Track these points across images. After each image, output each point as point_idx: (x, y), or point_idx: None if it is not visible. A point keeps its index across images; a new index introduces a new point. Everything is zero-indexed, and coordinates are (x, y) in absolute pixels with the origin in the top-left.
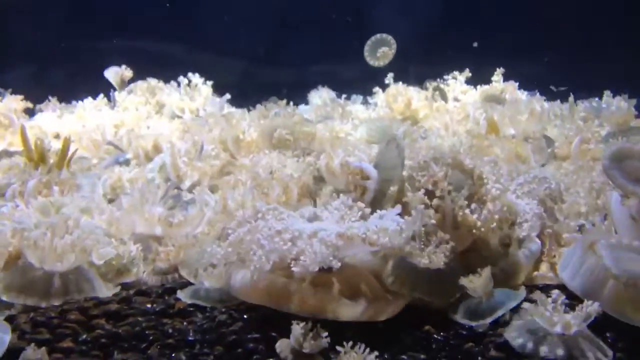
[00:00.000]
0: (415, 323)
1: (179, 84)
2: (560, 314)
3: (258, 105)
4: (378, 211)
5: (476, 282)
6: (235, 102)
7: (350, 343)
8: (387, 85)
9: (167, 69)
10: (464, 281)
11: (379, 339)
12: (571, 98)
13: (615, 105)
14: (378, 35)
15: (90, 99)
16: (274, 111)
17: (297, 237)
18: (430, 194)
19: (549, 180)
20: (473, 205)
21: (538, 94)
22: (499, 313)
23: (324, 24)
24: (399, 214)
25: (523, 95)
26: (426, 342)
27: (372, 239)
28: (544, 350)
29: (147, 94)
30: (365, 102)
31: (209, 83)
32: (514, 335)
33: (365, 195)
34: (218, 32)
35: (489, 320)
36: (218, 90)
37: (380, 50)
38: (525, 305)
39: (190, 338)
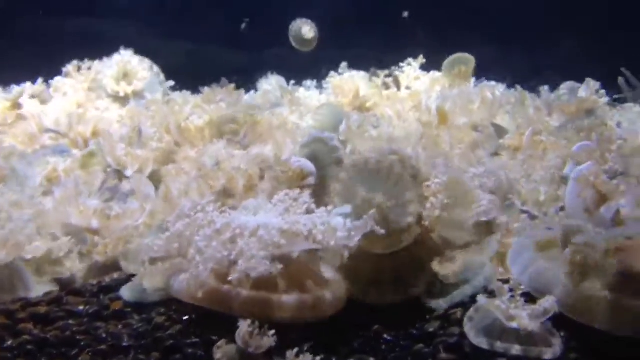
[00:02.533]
0: (365, 323)
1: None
2: (519, 308)
3: (206, 89)
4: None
5: (448, 269)
6: (186, 86)
7: (296, 350)
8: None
9: (112, 50)
10: (436, 267)
11: (326, 341)
12: (519, 87)
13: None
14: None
15: (29, 84)
16: (219, 97)
17: (238, 235)
18: None
19: (498, 172)
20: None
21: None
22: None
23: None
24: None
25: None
26: (375, 343)
27: (318, 238)
28: (498, 346)
29: (86, 76)
30: (319, 87)
31: (153, 66)
32: (472, 333)
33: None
34: (167, 12)
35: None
36: (168, 73)
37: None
38: (481, 299)
39: (124, 343)
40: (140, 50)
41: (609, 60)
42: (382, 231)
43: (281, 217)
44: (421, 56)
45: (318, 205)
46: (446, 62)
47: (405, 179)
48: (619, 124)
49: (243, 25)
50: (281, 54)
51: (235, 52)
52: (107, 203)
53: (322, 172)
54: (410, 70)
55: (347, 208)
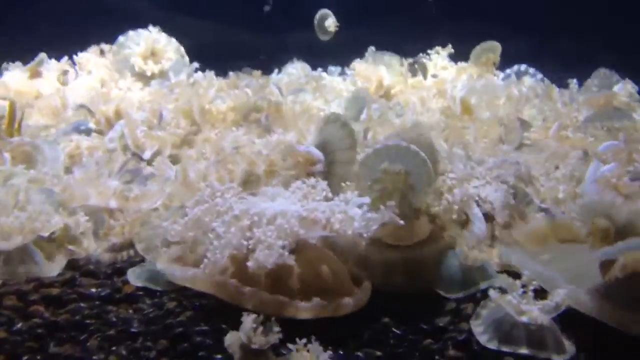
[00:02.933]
0: (376, 314)
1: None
2: (529, 303)
3: (230, 73)
4: (341, 195)
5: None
6: (210, 66)
7: (303, 341)
8: (366, 61)
9: (134, 27)
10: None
11: (336, 333)
12: (547, 81)
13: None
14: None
15: (53, 61)
16: (244, 82)
17: (255, 222)
18: None
19: (519, 163)
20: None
21: (514, 76)
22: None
23: None
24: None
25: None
26: (384, 336)
27: (335, 227)
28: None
29: (111, 52)
30: (343, 74)
31: (180, 47)
32: (480, 329)
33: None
34: None
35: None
36: (192, 52)
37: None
38: (492, 293)
39: (133, 329)
40: (164, 28)
41: None
42: (402, 222)
43: (300, 203)
44: (449, 45)
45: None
46: (474, 50)
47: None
48: None
49: (266, 8)
50: (306, 38)
51: (260, 34)
52: (127, 185)
53: (331, 156)
54: (438, 59)
55: (366, 199)
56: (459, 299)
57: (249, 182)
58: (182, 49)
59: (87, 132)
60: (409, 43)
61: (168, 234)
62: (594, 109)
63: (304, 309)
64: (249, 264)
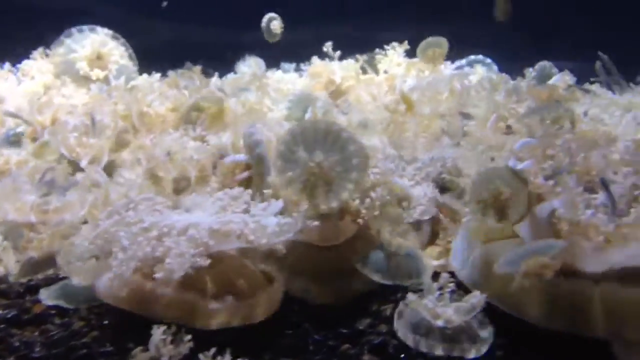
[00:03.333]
0: (296, 320)
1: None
2: (445, 305)
3: (170, 72)
4: (260, 204)
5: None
6: (162, 67)
7: (213, 350)
8: (325, 55)
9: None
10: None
11: (252, 341)
12: (492, 72)
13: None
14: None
15: None
16: (183, 84)
17: (165, 233)
18: None
19: (446, 159)
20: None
21: (466, 67)
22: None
23: None
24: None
25: (448, 69)
26: (303, 343)
27: (249, 238)
28: (422, 345)
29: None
30: (298, 70)
31: (130, 51)
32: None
33: (253, 182)
34: None
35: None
36: (144, 53)
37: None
38: (409, 296)
39: (34, 354)
40: (117, 28)
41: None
42: (315, 223)
43: (215, 215)
44: (406, 42)
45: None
46: (420, 46)
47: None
48: (585, 113)
49: (164, 3)
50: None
51: (218, 32)
52: (46, 197)
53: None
54: (394, 55)
55: (280, 203)
56: (381, 299)
57: (181, 189)
58: (130, 52)
59: (17, 137)
60: (375, 34)
61: (78, 248)
62: (537, 102)
63: (216, 310)
64: (157, 274)
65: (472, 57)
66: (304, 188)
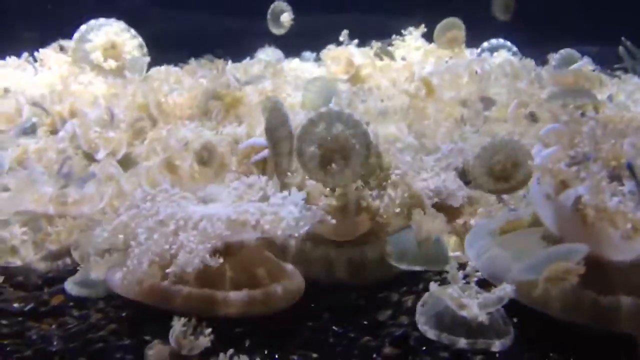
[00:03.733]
0: (317, 311)
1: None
2: (471, 295)
3: (191, 61)
4: (279, 194)
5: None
6: (175, 56)
7: (231, 352)
8: (341, 43)
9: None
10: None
11: (272, 333)
12: (516, 58)
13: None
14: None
15: (13, 57)
16: (200, 73)
17: (181, 226)
18: None
19: (466, 151)
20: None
21: (488, 54)
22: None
23: None
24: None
25: (472, 55)
26: (323, 335)
27: (265, 228)
28: (444, 337)
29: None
30: (318, 59)
31: (141, 42)
32: (422, 321)
33: (267, 167)
34: None
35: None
36: (155, 41)
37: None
38: (433, 285)
39: (52, 348)
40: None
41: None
42: (333, 221)
43: (232, 205)
44: (422, 25)
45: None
46: (435, 32)
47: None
48: (610, 97)
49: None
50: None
51: (233, 20)
52: (64, 189)
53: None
54: (411, 40)
55: (302, 194)
56: (402, 290)
57: (198, 177)
58: (143, 44)
59: (33, 128)
60: (394, 20)
61: (96, 241)
62: (560, 87)
63: (235, 300)
64: (170, 269)
65: (494, 41)
66: (322, 162)
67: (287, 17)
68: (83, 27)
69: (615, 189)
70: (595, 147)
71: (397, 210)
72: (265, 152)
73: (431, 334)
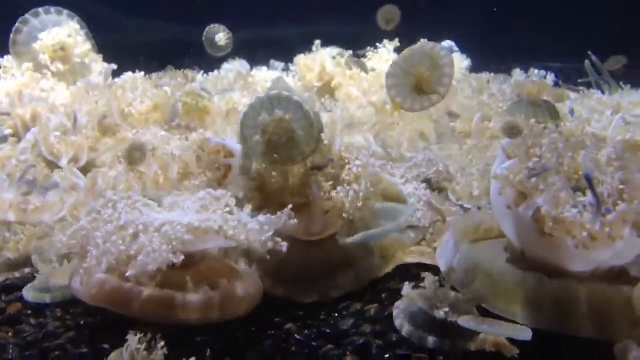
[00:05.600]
0: (280, 319)
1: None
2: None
3: (156, 74)
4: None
5: None
6: (137, 65)
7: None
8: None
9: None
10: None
11: (234, 342)
12: (484, 74)
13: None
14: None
15: None
16: (163, 80)
17: (141, 230)
18: None
19: (438, 161)
20: (339, 188)
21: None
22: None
23: None
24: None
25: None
26: (286, 344)
27: (229, 233)
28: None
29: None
30: (286, 70)
31: (92, 43)
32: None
33: (229, 173)
34: None
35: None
36: (118, 49)
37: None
38: (406, 287)
39: (8, 356)
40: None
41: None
42: (295, 221)
43: (196, 214)
44: (397, 39)
45: None
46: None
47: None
48: (571, 110)
49: None
50: (254, 35)
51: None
52: (26, 196)
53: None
54: (384, 52)
55: (268, 215)
56: (365, 299)
57: (161, 185)
58: (94, 45)
59: (3, 139)
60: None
61: (55, 246)
62: (523, 98)
63: (193, 302)
64: (129, 272)
65: (444, 43)
66: (267, 150)
67: (222, 37)
68: (32, 17)
69: (576, 201)
70: (558, 159)
71: (360, 204)
72: (233, 160)
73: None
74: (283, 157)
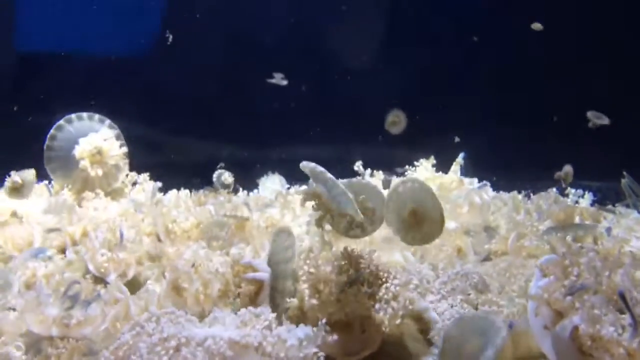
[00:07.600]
0: None
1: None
2: None
3: (201, 191)
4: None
5: None
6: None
7: None
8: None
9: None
10: None
11: None
12: (515, 193)
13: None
14: None
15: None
16: (210, 202)
17: (183, 344)
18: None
19: (472, 274)
20: (377, 305)
21: (488, 185)
22: None
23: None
24: None
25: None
26: None
27: (267, 350)
28: None
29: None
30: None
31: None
32: None
33: (260, 294)
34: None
35: None
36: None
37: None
38: None
39: None
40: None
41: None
42: (335, 337)
43: (235, 329)
44: (432, 157)
45: None
46: None
47: None
48: (608, 230)
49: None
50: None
51: (241, 148)
52: (69, 311)
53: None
54: (422, 171)
55: (308, 329)
56: None
57: (202, 302)
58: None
59: (46, 259)
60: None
61: None
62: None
63: None
64: None
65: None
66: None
67: (227, 176)
68: (66, 124)
69: (614, 320)
70: (595, 278)
71: (399, 321)
72: (261, 275)
73: None
74: None
